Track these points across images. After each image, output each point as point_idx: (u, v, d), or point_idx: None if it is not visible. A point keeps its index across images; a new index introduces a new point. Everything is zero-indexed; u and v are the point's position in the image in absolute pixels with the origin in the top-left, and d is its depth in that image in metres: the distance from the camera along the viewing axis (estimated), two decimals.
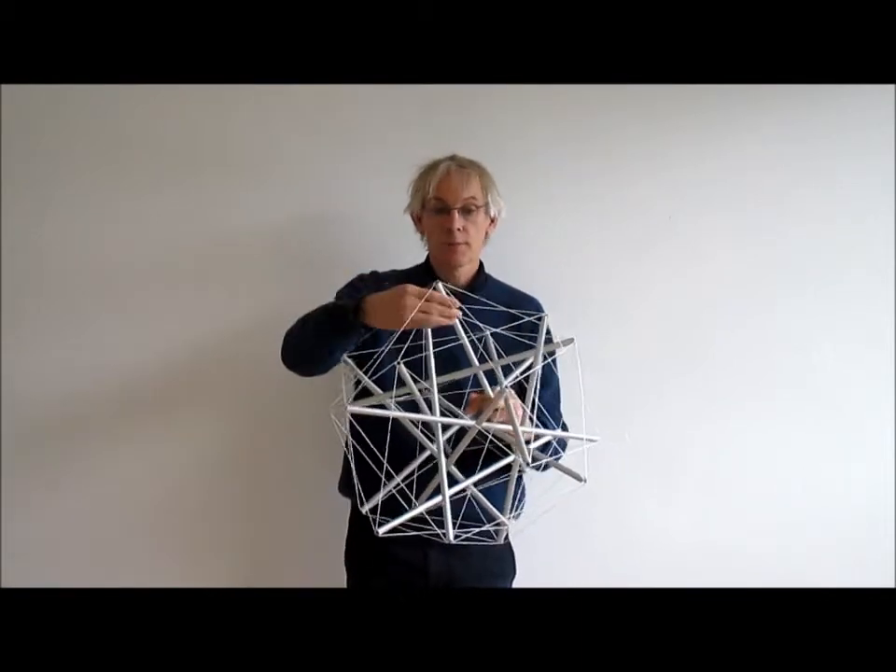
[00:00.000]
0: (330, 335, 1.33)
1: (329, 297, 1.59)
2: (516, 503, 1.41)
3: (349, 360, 1.37)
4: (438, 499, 1.17)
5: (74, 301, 1.80)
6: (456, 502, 1.22)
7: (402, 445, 1.30)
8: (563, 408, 1.60)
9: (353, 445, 1.23)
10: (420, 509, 1.17)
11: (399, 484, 1.29)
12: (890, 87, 1.80)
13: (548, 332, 1.35)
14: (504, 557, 1.57)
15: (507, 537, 1.58)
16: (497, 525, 1.32)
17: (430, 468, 1.28)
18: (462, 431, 1.27)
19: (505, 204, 1.57)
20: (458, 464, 1.26)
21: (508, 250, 1.70)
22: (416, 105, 1.80)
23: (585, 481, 1.25)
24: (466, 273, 1.55)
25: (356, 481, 1.25)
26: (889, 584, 1.79)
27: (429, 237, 1.56)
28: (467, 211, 1.49)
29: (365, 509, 1.24)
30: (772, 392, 1.83)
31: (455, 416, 1.29)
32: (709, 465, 1.83)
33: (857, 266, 1.83)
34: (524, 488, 1.53)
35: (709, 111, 1.83)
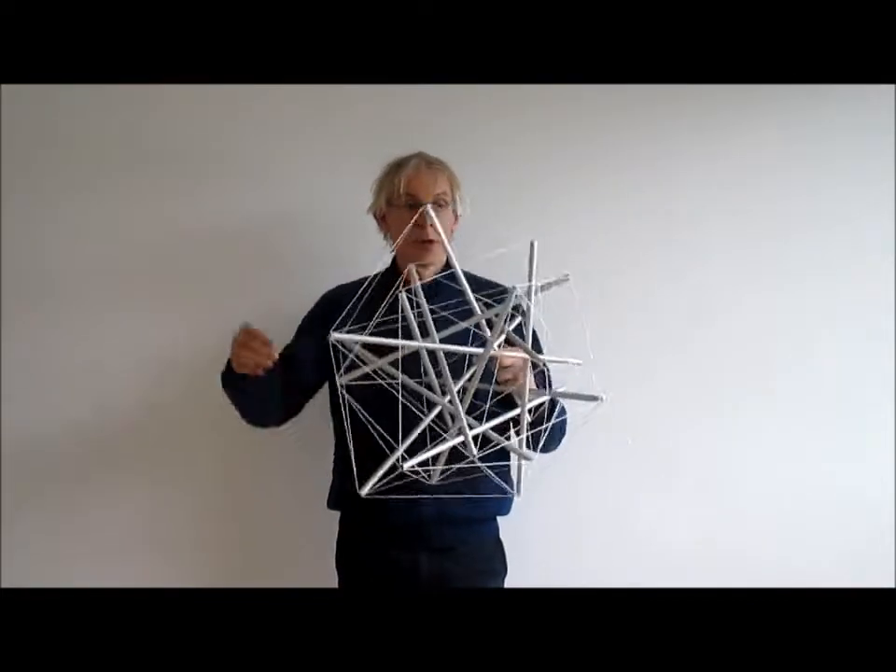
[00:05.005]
0: (236, 391, 1.44)
1: (314, 298, 1.60)
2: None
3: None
4: (427, 454, 1.12)
5: (70, 306, 1.81)
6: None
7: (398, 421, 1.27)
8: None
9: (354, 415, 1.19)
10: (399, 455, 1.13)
11: (401, 456, 1.21)
12: (890, 87, 1.80)
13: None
14: (494, 556, 1.56)
15: (497, 535, 1.58)
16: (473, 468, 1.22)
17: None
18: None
19: (469, 201, 1.55)
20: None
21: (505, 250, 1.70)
22: (415, 105, 1.80)
23: (602, 399, 1.16)
24: (434, 271, 1.51)
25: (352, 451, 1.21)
26: (889, 584, 1.79)
27: (397, 235, 1.47)
28: (437, 206, 1.48)
29: (365, 490, 1.18)
30: (772, 392, 1.83)
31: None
32: (709, 465, 1.82)
33: (857, 266, 1.83)
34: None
35: (709, 112, 1.82)
